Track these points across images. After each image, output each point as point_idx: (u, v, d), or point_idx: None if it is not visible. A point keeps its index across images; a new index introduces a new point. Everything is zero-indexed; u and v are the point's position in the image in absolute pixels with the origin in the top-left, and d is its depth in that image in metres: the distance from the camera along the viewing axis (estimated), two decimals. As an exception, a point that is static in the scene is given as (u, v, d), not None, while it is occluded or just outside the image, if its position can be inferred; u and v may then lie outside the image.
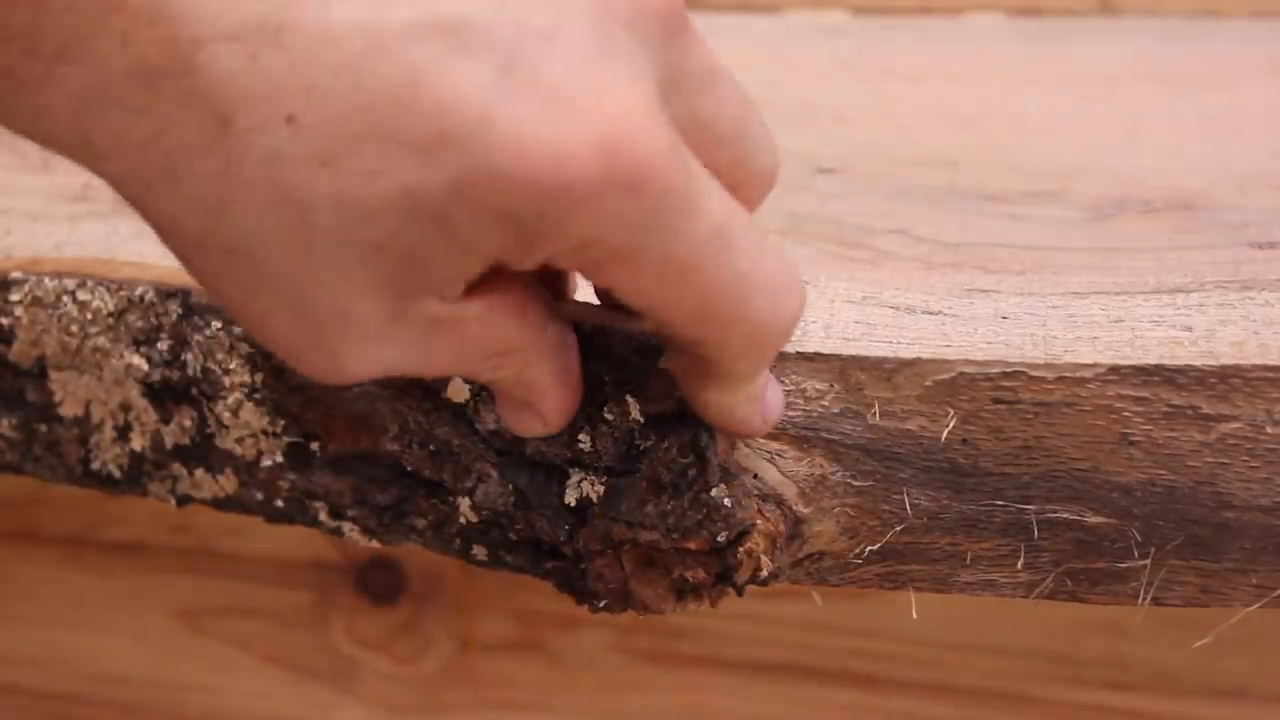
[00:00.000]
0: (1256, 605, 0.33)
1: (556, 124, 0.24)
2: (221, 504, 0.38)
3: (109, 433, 0.38)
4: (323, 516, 0.37)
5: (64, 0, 0.24)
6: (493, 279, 0.27)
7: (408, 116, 0.24)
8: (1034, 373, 0.31)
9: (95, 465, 0.38)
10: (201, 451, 0.37)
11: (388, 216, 0.24)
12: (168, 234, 0.27)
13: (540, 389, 0.30)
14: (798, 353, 0.32)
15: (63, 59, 0.24)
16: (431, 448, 0.35)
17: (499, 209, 0.24)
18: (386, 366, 0.27)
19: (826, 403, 0.33)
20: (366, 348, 0.27)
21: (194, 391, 0.36)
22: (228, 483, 0.37)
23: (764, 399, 0.31)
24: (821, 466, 0.33)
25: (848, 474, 0.33)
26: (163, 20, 0.24)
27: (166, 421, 0.37)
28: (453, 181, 0.24)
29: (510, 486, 0.34)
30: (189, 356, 0.36)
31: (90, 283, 0.37)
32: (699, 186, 0.25)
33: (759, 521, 0.32)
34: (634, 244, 0.25)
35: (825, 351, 0.32)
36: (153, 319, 0.36)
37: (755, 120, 0.29)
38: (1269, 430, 0.31)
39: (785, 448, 0.33)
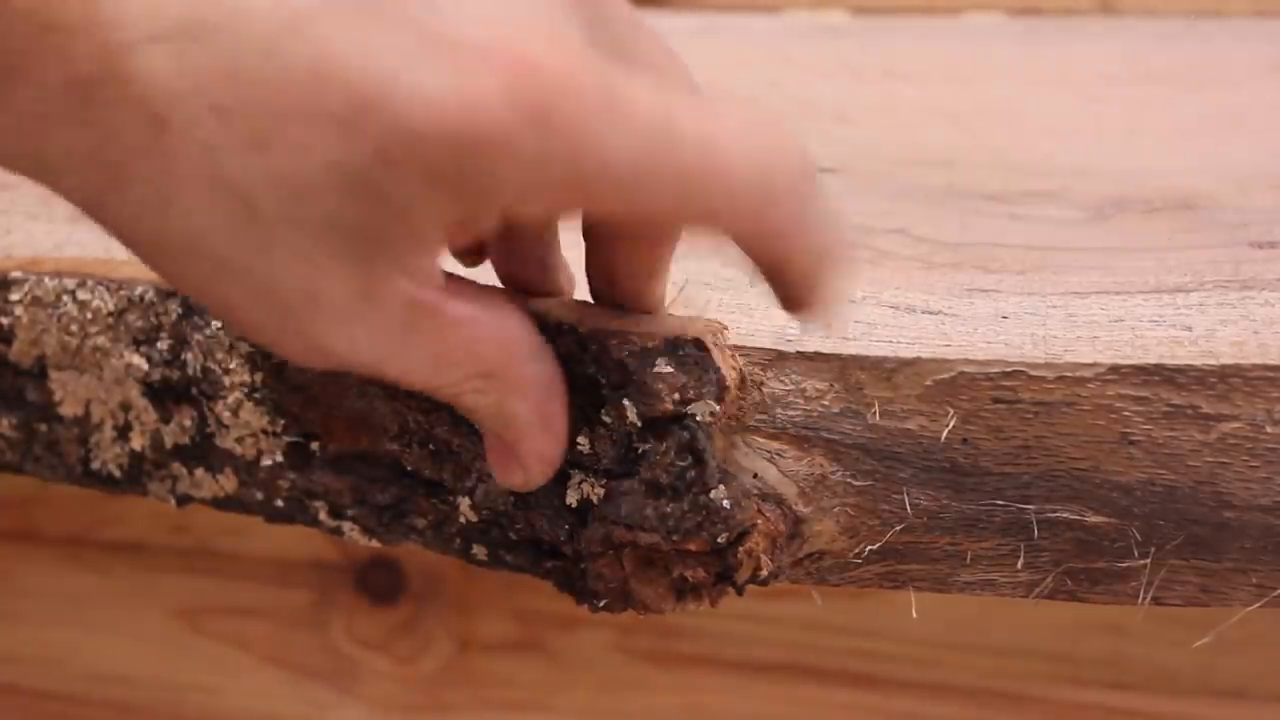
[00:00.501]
0: (1256, 605, 0.33)
1: (462, 76, 0.24)
2: (221, 504, 0.38)
3: (109, 432, 0.38)
4: (323, 516, 0.37)
5: (2, 25, 0.25)
6: (478, 292, 0.28)
7: (326, 91, 0.24)
8: (1034, 372, 0.31)
9: (95, 465, 0.38)
10: (201, 451, 0.37)
11: (325, 192, 0.25)
12: (127, 240, 0.27)
13: (519, 428, 0.30)
14: (798, 352, 0.32)
15: (6, 81, 0.25)
16: (431, 447, 0.35)
17: (425, 170, 0.25)
18: (364, 350, 0.27)
19: (826, 402, 0.33)
20: (340, 328, 0.27)
21: (194, 391, 0.36)
22: (228, 482, 0.37)
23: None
24: (821, 466, 0.33)
25: (848, 474, 0.33)
26: (94, 32, 0.25)
27: (166, 421, 0.37)
28: (377, 149, 0.24)
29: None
30: (189, 356, 0.36)
31: (90, 282, 0.37)
32: (621, 91, 0.25)
33: (759, 521, 0.32)
34: (574, 172, 0.25)
35: (825, 351, 0.32)
36: (153, 319, 0.36)
37: (682, 67, 0.29)
38: (1269, 430, 0.31)
39: (785, 447, 0.33)
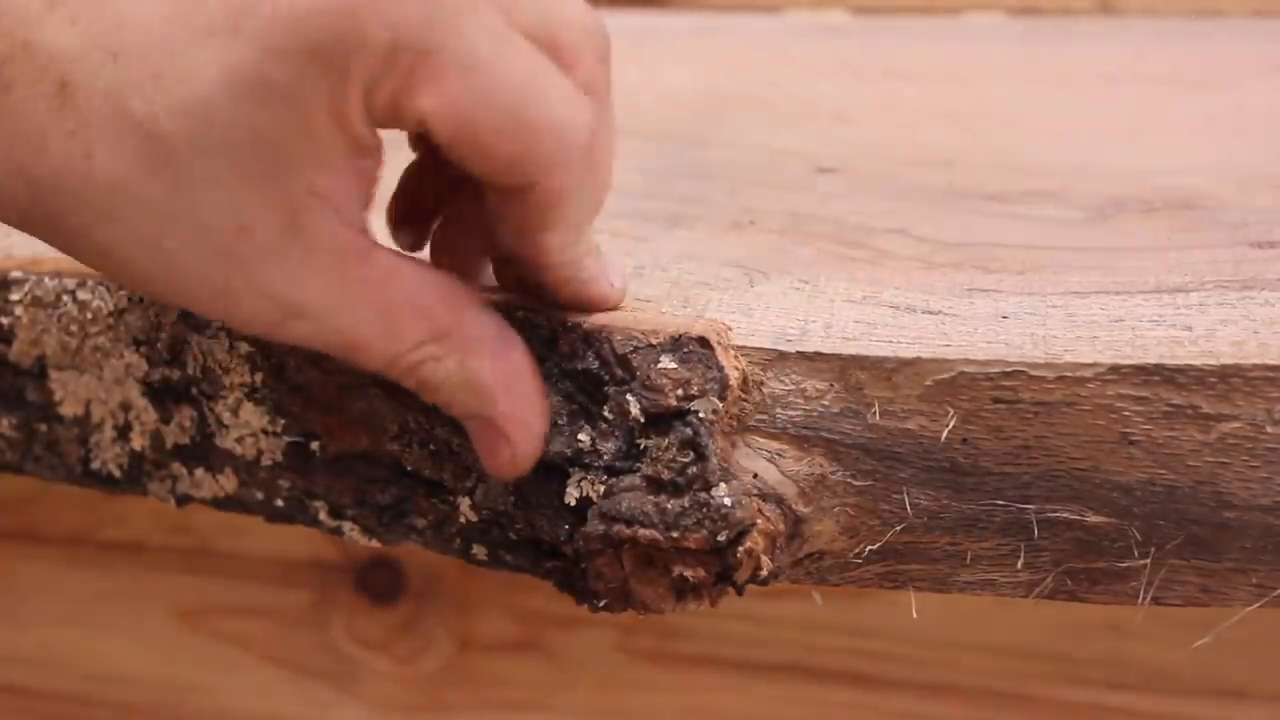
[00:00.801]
0: (1256, 605, 0.33)
1: None
2: (221, 504, 0.38)
3: (109, 432, 0.38)
4: (323, 516, 0.37)
5: None
6: (406, 255, 0.29)
7: (203, 8, 0.27)
8: (1034, 372, 0.31)
9: (95, 465, 0.38)
10: (201, 451, 0.37)
11: (223, 104, 0.27)
12: (60, 223, 0.29)
13: (487, 390, 0.31)
14: (798, 352, 0.32)
15: None
16: (431, 447, 0.35)
17: (307, 48, 0.26)
18: (310, 292, 0.29)
19: (826, 402, 0.33)
20: (278, 266, 0.28)
21: (194, 391, 0.36)
22: (228, 482, 0.37)
23: (607, 263, 0.33)
24: (821, 466, 0.33)
25: (848, 473, 0.33)
26: (2, 16, 0.27)
27: (166, 421, 0.37)
28: (264, 46, 0.26)
29: (510, 486, 0.34)
30: (189, 356, 0.36)
31: (90, 282, 0.37)
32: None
33: (759, 521, 0.32)
34: (434, 42, 0.27)
35: (825, 351, 0.32)
36: (152, 318, 0.36)
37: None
38: (1269, 430, 0.31)
39: (785, 447, 0.33)
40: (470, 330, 0.30)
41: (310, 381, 0.35)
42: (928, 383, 0.32)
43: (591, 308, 0.33)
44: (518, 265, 0.33)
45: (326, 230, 0.28)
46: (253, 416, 0.36)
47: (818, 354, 0.32)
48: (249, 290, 0.29)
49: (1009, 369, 0.31)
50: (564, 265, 0.32)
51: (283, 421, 0.36)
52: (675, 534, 0.31)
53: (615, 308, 0.33)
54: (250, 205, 0.28)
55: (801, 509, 0.33)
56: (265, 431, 0.36)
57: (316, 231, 0.28)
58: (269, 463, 0.36)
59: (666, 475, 0.31)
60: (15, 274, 0.37)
